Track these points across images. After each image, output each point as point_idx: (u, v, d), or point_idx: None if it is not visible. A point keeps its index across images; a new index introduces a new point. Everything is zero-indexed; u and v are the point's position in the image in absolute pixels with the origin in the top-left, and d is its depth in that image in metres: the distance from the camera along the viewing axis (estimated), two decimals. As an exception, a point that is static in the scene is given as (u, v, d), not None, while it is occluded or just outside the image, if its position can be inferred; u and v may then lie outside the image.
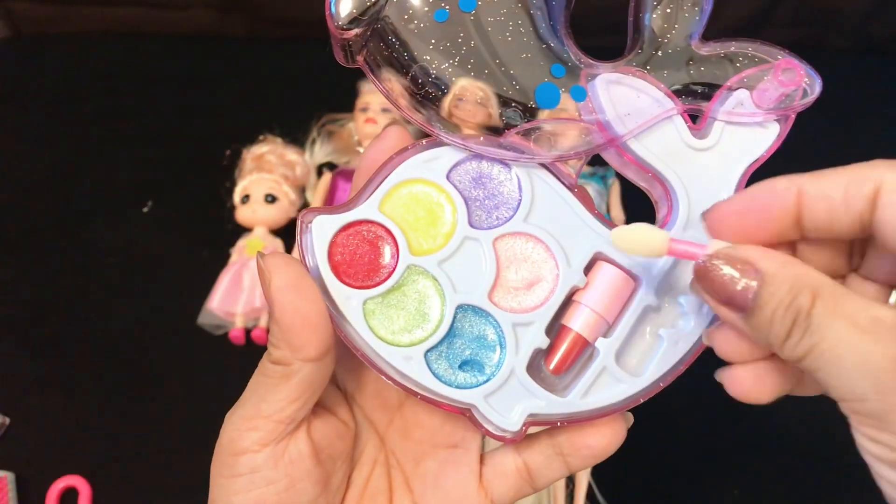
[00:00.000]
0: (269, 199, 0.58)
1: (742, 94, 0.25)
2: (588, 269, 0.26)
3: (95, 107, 0.69)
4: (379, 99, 0.62)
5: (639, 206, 0.56)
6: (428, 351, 0.25)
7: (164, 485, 0.49)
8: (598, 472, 0.50)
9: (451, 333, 0.25)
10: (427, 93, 0.24)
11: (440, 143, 0.25)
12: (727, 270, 0.21)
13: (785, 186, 0.22)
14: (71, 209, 0.62)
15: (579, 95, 0.25)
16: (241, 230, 0.59)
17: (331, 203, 0.59)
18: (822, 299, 0.19)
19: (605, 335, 0.25)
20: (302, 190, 0.62)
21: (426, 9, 0.24)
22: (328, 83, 0.70)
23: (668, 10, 0.25)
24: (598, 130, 0.25)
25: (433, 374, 0.25)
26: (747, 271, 0.20)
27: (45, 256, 0.60)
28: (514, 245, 0.26)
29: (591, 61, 0.25)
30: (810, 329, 0.19)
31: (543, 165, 0.26)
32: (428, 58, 0.24)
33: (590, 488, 0.50)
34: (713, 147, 0.26)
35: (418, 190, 0.26)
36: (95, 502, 0.48)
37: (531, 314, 0.25)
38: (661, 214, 0.26)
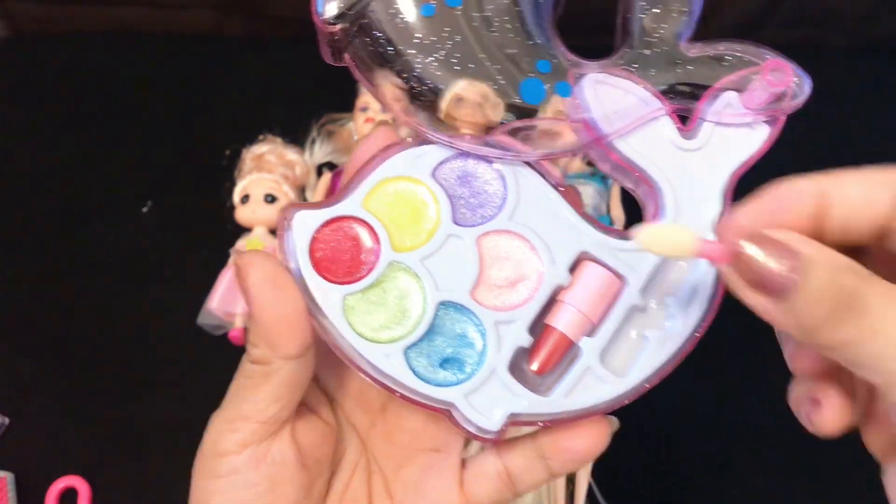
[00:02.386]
0: (269, 199, 0.58)
1: (731, 95, 0.25)
2: (573, 268, 0.25)
3: (95, 107, 0.69)
4: (379, 99, 0.62)
5: (639, 207, 0.56)
6: (408, 348, 0.25)
7: (164, 485, 0.49)
8: (598, 472, 0.50)
9: (432, 331, 0.25)
10: (413, 88, 0.24)
11: (426, 141, 0.25)
12: (763, 254, 0.20)
13: (807, 186, 0.21)
14: (71, 209, 0.62)
15: (564, 91, 0.25)
16: (241, 230, 0.59)
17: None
18: (867, 281, 0.19)
19: (589, 335, 0.25)
20: (302, 190, 0.62)
21: (413, 4, 0.24)
22: (328, 83, 0.70)
23: (657, 11, 0.25)
24: (584, 129, 0.25)
25: (413, 371, 0.24)
26: (785, 254, 0.19)
27: (45, 256, 0.60)
28: (499, 243, 0.25)
29: (579, 60, 0.25)
30: (857, 308, 0.19)
31: (529, 164, 0.26)
32: (414, 52, 0.24)
33: (590, 488, 0.50)
34: (701, 148, 0.25)
35: (403, 187, 0.25)
36: (95, 502, 0.48)
37: (514, 312, 0.25)
38: (647, 215, 0.26)
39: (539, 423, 0.25)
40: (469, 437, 0.25)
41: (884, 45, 0.74)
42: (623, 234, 0.26)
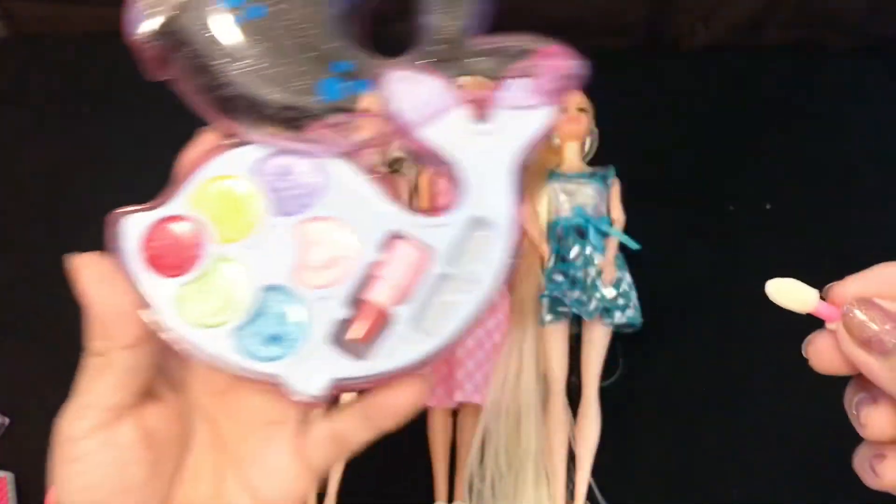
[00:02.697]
0: (270, 199, 0.58)
1: (519, 81, 0.28)
2: (386, 247, 0.29)
3: (96, 107, 0.69)
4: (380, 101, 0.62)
5: (638, 207, 0.56)
6: (237, 331, 0.27)
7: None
8: (598, 472, 0.50)
9: (257, 313, 0.28)
10: (228, 94, 0.27)
11: (246, 142, 0.28)
12: (868, 317, 0.24)
13: None
14: (71, 209, 0.62)
15: (365, 88, 0.28)
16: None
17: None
18: None
19: (402, 304, 0.28)
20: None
21: (221, 17, 0.27)
22: (328, 83, 0.70)
23: (448, 10, 0.28)
24: (390, 121, 0.28)
25: (242, 351, 0.27)
26: (889, 319, 0.24)
27: (45, 256, 0.59)
28: (317, 228, 0.28)
29: (382, 59, 0.29)
30: None
31: (343, 154, 0.29)
32: (227, 61, 0.27)
33: (590, 488, 0.50)
34: (493, 131, 0.29)
35: (226, 184, 0.28)
36: (95, 502, 0.48)
37: (332, 290, 0.28)
38: (452, 193, 0.29)
39: (362, 387, 0.28)
40: (301, 406, 0.29)
41: (884, 45, 0.74)
42: (428, 213, 0.29)
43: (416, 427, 0.52)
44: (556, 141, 0.62)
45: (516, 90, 0.29)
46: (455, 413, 0.53)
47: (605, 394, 0.53)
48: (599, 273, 0.54)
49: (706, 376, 0.54)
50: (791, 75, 0.72)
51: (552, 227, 0.58)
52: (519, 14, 0.81)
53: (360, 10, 0.29)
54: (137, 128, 0.67)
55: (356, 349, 0.28)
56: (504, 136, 0.29)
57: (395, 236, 0.29)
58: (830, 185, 0.64)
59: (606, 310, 0.53)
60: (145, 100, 0.70)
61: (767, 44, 0.74)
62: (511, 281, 0.57)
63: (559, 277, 0.54)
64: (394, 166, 0.63)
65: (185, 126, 0.67)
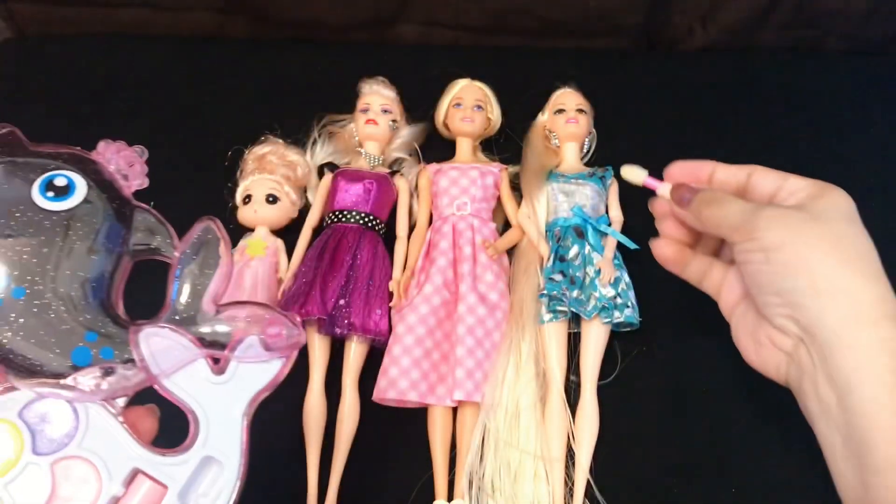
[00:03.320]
0: (271, 199, 0.58)
1: (252, 339, 0.34)
2: (129, 482, 0.33)
3: (96, 108, 0.69)
4: (380, 100, 0.62)
5: (638, 207, 0.56)
6: None
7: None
8: (597, 470, 0.50)
9: None
10: (7, 357, 0.32)
11: (14, 389, 0.33)
12: (680, 189, 0.42)
13: (709, 165, 0.43)
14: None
15: (107, 355, 0.33)
16: (243, 230, 0.59)
17: (331, 202, 0.59)
18: (724, 194, 0.40)
19: None
20: (303, 190, 0.62)
21: None
22: (329, 84, 0.70)
23: (191, 283, 0.34)
24: (144, 371, 0.33)
25: None
26: (689, 190, 0.41)
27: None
28: (69, 466, 0.33)
29: (137, 322, 0.34)
30: (717, 202, 0.40)
31: (99, 400, 0.33)
32: (3, 328, 0.32)
33: (588, 486, 0.50)
34: (228, 381, 0.34)
35: None
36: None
37: None
38: (192, 436, 0.34)
39: None
40: None
41: (882, 46, 0.74)
42: (167, 452, 0.34)
43: (417, 425, 0.53)
44: (556, 142, 0.62)
45: (248, 346, 0.34)
46: (455, 411, 0.53)
47: (603, 392, 0.53)
48: (598, 272, 0.54)
49: (704, 375, 0.54)
50: (789, 76, 0.72)
51: (551, 226, 0.58)
52: (519, 14, 0.81)
53: (111, 286, 0.35)
54: (139, 128, 0.67)
55: None
56: (238, 385, 0.34)
57: (138, 471, 0.33)
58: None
59: (605, 309, 0.53)
60: (147, 101, 0.70)
61: (765, 45, 0.75)
62: (510, 282, 0.57)
63: (558, 277, 0.54)
64: (394, 167, 0.63)
65: (187, 127, 0.67)
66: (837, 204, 0.37)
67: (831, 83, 0.71)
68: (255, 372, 0.34)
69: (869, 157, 0.66)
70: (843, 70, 0.72)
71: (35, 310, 0.32)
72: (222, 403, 0.34)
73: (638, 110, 0.69)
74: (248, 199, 0.59)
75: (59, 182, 0.34)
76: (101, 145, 0.37)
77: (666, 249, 0.44)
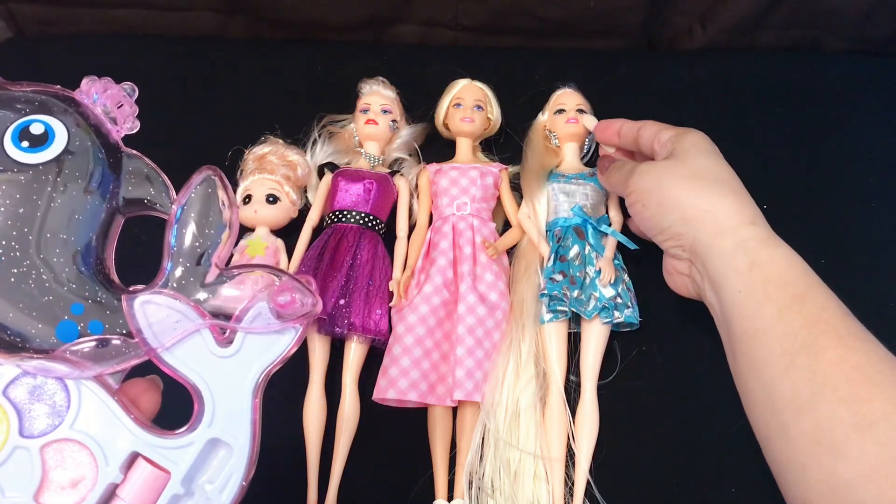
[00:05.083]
0: (271, 199, 0.58)
1: (261, 307, 0.30)
2: (128, 466, 0.30)
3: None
4: (380, 100, 0.62)
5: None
6: None
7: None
8: (597, 470, 0.51)
9: None
10: None
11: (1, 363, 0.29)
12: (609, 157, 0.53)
13: (617, 123, 0.53)
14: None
15: (96, 329, 0.29)
16: (243, 230, 0.59)
17: (331, 202, 0.59)
18: (631, 162, 0.50)
19: None
20: (304, 190, 0.62)
21: None
22: (329, 84, 0.70)
23: (191, 243, 0.30)
24: (140, 343, 0.29)
25: None
26: (608, 160, 0.51)
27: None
28: (61, 449, 0.30)
29: (131, 288, 0.30)
30: (625, 169, 0.48)
31: (92, 377, 0.30)
32: None
33: (588, 486, 0.50)
34: (235, 354, 0.30)
35: None
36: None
37: None
38: (196, 415, 0.31)
39: None
40: None
41: (882, 46, 0.74)
42: (169, 434, 0.30)
43: (417, 425, 0.53)
44: (556, 142, 0.62)
45: (256, 315, 0.30)
46: (455, 411, 0.53)
47: (603, 392, 0.53)
48: (598, 272, 0.54)
49: (704, 375, 0.54)
50: (788, 76, 0.72)
51: (551, 226, 0.58)
52: (519, 14, 0.81)
53: (102, 247, 0.30)
54: (139, 129, 0.67)
55: None
56: (246, 358, 0.30)
57: (136, 455, 0.30)
58: (828, 185, 0.64)
59: (605, 309, 0.53)
60: (147, 101, 0.70)
61: (764, 45, 0.75)
62: (510, 282, 0.57)
63: (558, 277, 0.54)
64: (394, 167, 0.63)
65: (187, 127, 0.66)
66: (695, 143, 0.46)
67: (831, 83, 0.71)
68: (266, 343, 0.30)
69: (869, 157, 0.66)
70: (842, 70, 0.72)
71: (12, 279, 0.28)
72: (229, 379, 0.30)
73: (638, 110, 0.69)
74: (248, 199, 0.59)
75: (36, 129, 0.29)
76: (85, 83, 0.32)
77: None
